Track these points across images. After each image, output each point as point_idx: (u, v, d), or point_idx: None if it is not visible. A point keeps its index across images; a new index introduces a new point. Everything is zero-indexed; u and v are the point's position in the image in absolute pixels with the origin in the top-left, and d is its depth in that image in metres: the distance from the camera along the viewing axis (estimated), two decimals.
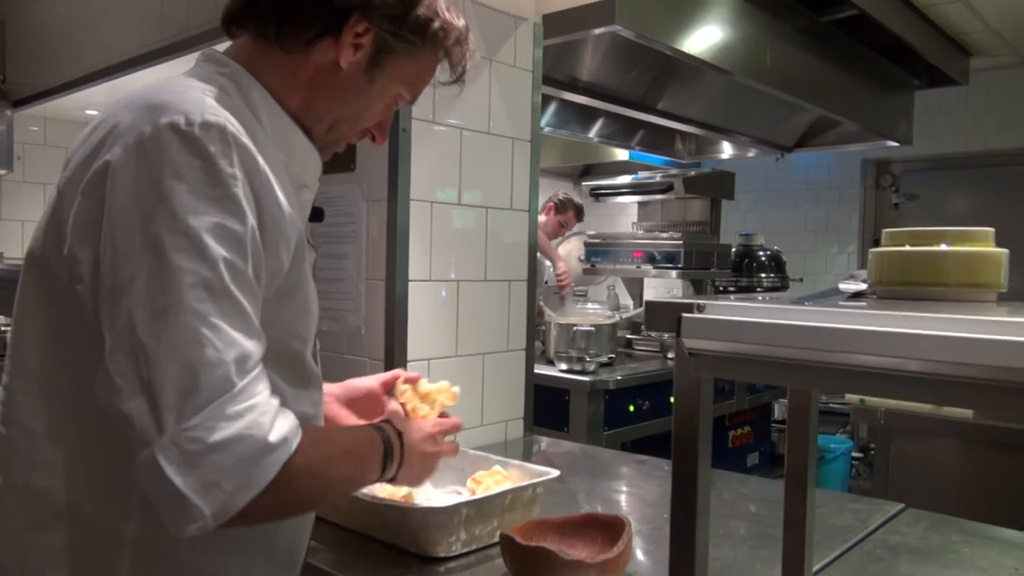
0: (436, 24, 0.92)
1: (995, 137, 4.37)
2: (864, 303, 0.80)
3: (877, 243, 0.88)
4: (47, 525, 0.81)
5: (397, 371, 1.19)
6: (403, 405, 1.13)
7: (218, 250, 0.73)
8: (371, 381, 1.19)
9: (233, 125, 0.77)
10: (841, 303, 0.79)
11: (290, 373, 0.88)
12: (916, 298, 0.79)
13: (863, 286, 0.85)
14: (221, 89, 0.85)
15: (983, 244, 0.78)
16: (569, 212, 4.16)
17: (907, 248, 0.79)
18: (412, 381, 1.17)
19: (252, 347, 0.74)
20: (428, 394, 1.16)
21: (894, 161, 4.78)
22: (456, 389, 1.18)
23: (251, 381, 0.72)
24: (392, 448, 0.93)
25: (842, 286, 0.88)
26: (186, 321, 0.70)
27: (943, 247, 0.77)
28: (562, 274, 3.87)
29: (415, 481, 1.04)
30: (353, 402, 1.17)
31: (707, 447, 0.78)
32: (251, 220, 0.76)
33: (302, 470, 0.76)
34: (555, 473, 1.27)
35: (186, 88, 0.81)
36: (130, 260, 0.72)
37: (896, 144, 4.02)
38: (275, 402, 0.75)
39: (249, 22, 0.90)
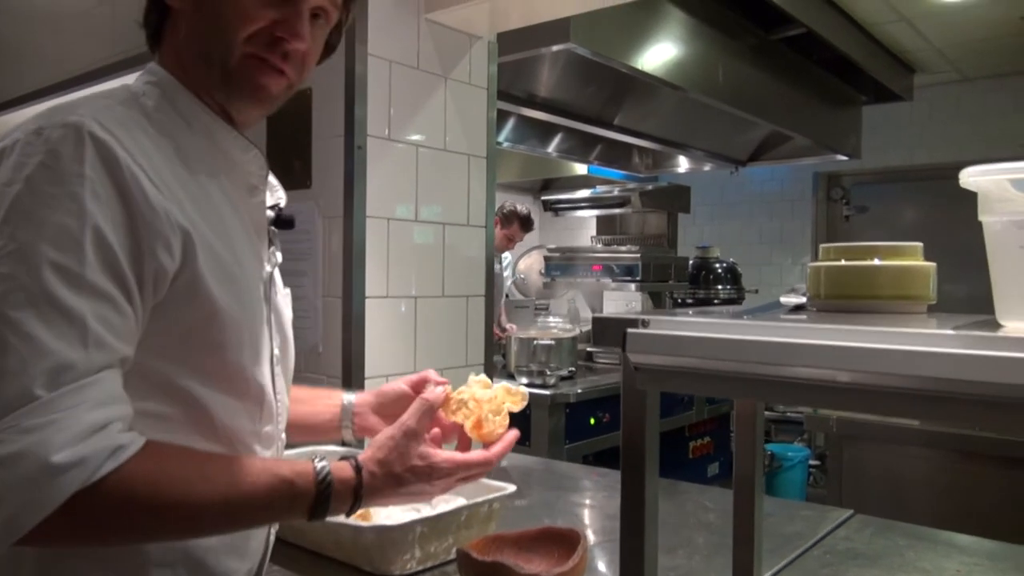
0: None
1: (939, 151, 4.52)
2: (803, 316, 0.83)
3: None
4: None
5: (425, 372, 1.09)
6: (463, 415, 0.99)
7: (46, 253, 0.70)
8: (401, 384, 1.11)
9: (95, 124, 0.75)
10: (781, 317, 0.82)
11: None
12: (851, 311, 0.82)
13: (802, 299, 0.88)
14: (143, 95, 0.85)
15: (913, 258, 0.81)
16: (515, 225, 4.11)
17: (842, 263, 0.82)
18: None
19: (79, 357, 0.69)
20: (489, 400, 1.01)
21: (844, 174, 4.92)
22: (523, 388, 1.04)
23: (64, 394, 0.68)
24: (329, 496, 0.83)
25: (783, 299, 0.90)
26: None
27: (876, 262, 0.80)
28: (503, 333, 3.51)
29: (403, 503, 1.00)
30: (385, 408, 1.10)
31: (654, 459, 0.80)
32: (95, 220, 0.72)
33: (118, 499, 0.70)
34: (511, 488, 1.28)
35: (89, 96, 0.81)
36: None
37: (845, 158, 4.15)
38: (92, 418, 0.68)
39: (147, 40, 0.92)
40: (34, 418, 0.66)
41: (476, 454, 0.96)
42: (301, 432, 1.14)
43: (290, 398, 1.13)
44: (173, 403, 0.81)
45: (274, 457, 0.97)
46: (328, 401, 1.15)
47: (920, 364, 0.57)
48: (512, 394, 1.03)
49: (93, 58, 2.24)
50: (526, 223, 4.17)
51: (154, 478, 0.73)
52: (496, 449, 0.97)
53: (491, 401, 1.00)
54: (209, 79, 0.87)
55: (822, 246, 0.87)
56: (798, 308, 0.88)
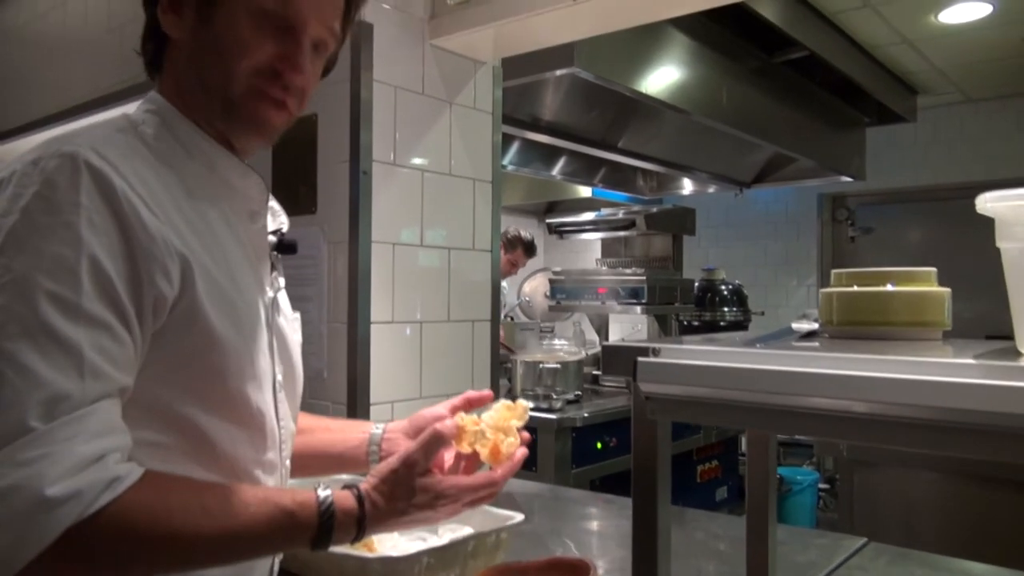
0: None
1: (944, 172, 4.52)
2: (816, 343, 0.81)
3: None
4: None
5: (468, 393, 1.06)
6: (472, 442, 0.96)
7: (41, 283, 0.69)
8: (439, 409, 1.08)
9: (92, 152, 0.75)
10: (794, 344, 0.80)
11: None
12: (865, 337, 0.80)
13: (814, 326, 0.87)
14: (142, 123, 0.86)
15: (927, 284, 0.80)
16: (518, 250, 4.14)
17: (855, 289, 0.81)
18: (478, 403, 1.03)
19: (75, 387, 0.68)
20: (495, 424, 0.98)
21: (849, 195, 4.91)
22: (524, 402, 1.01)
23: (60, 425, 0.67)
24: (332, 527, 0.81)
25: (794, 326, 0.89)
26: None
27: (889, 287, 0.79)
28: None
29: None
30: (420, 432, 1.04)
31: (666, 489, 0.79)
32: (91, 248, 0.72)
33: (114, 532, 0.69)
34: (519, 517, 1.26)
35: (87, 126, 0.82)
36: None
37: (850, 179, 4.14)
38: (88, 450, 0.68)
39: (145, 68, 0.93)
40: (29, 451, 0.65)
41: (481, 476, 0.93)
42: (329, 462, 1.12)
43: (321, 427, 1.12)
44: (173, 431, 0.80)
45: (277, 485, 0.95)
46: (358, 429, 1.13)
47: (941, 394, 0.56)
48: (512, 410, 1.00)
49: (100, 85, 2.26)
50: (530, 249, 4.19)
51: (152, 509, 0.71)
52: (502, 470, 0.94)
53: (497, 424, 0.98)
54: (209, 108, 0.87)
55: (833, 272, 0.86)
56: (810, 335, 0.87)
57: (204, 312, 0.80)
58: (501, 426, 0.98)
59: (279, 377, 0.95)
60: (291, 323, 1.03)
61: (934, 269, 0.81)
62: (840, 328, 0.83)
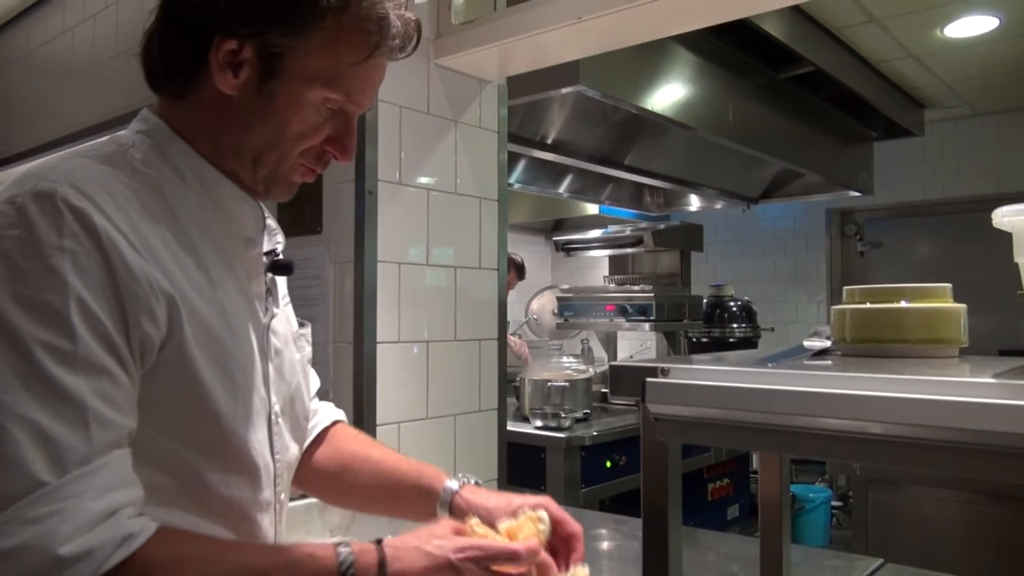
0: None
1: (952, 185, 4.50)
2: (829, 362, 0.80)
3: None
4: None
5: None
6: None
7: (33, 333, 0.67)
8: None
9: (71, 189, 0.72)
10: (806, 363, 0.78)
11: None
12: (880, 355, 0.79)
13: (827, 343, 0.85)
14: (131, 146, 0.82)
15: (942, 300, 0.78)
16: (511, 272, 4.18)
17: (868, 306, 0.79)
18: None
19: (81, 439, 0.67)
20: (508, 530, 0.89)
21: (857, 210, 4.89)
22: (543, 514, 0.91)
23: (71, 480, 0.65)
24: (352, 563, 0.77)
25: (806, 343, 0.87)
26: None
27: (903, 304, 0.77)
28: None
29: None
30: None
31: (677, 511, 0.77)
32: (79, 292, 0.69)
33: None
34: None
35: (69, 155, 0.79)
36: None
37: (858, 194, 4.13)
38: (99, 506, 0.66)
39: (148, 78, 0.88)
40: (39, 507, 0.64)
41: (499, 544, 0.85)
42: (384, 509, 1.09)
43: (368, 474, 1.06)
44: (165, 473, 0.78)
45: (274, 524, 0.92)
46: (418, 505, 1.03)
47: (961, 415, 0.54)
48: (535, 523, 0.90)
49: (107, 110, 2.27)
50: (521, 270, 4.26)
51: (167, 566, 0.69)
52: (523, 546, 0.84)
53: (511, 531, 0.89)
54: (238, 164, 0.85)
55: (846, 288, 0.84)
56: (823, 352, 0.85)
57: (191, 356, 0.78)
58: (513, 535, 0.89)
59: (276, 408, 0.91)
60: (295, 340, 0.99)
61: (949, 285, 0.79)
62: (853, 346, 0.81)
